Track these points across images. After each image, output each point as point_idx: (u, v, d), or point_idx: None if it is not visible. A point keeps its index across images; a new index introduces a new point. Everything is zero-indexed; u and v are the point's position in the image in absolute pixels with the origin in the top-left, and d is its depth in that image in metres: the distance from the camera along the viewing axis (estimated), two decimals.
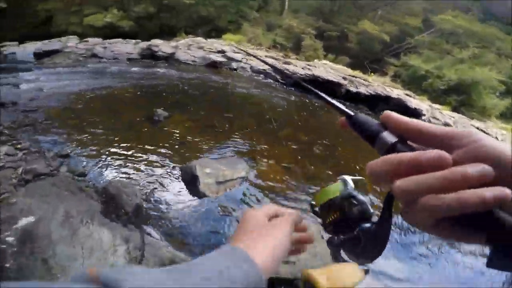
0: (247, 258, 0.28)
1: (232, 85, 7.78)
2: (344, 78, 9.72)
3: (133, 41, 13.81)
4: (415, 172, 0.22)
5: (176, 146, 3.96)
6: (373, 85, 10.05)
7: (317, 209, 0.38)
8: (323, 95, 0.33)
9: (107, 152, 3.49)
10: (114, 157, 3.43)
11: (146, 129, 4.31)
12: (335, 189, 0.35)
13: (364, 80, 10.52)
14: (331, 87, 9.27)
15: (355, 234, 0.31)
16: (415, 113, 8.93)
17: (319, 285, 0.38)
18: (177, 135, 4.27)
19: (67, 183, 2.52)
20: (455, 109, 12.43)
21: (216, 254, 0.29)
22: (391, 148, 0.24)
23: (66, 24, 19.72)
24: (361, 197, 0.35)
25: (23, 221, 1.83)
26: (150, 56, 10.20)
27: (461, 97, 13.19)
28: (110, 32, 18.05)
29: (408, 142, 0.26)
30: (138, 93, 5.98)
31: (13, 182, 2.80)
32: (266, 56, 11.99)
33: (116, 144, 3.72)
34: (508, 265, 0.22)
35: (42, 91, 5.67)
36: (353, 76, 10.44)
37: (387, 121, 0.26)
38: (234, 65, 10.19)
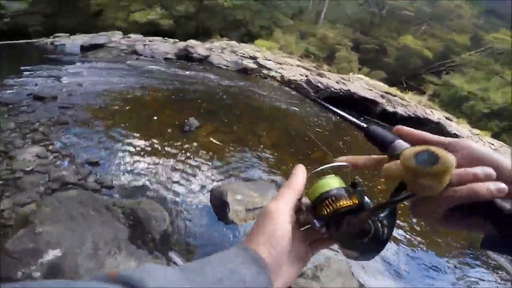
0: (255, 258, 0.28)
1: (264, 95, 7.50)
2: (382, 96, 9.07)
3: (172, 40, 14.02)
4: None
5: (206, 161, 3.73)
6: (411, 105, 9.30)
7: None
8: (336, 109, 0.37)
9: (135, 163, 3.33)
10: (142, 169, 3.25)
11: (176, 138, 4.13)
12: (332, 181, 0.31)
13: (401, 98, 9.78)
14: (366, 105, 8.69)
15: (364, 225, 0.28)
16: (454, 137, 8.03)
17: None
18: (207, 148, 4.04)
19: (94, 200, 2.34)
20: (495, 135, 11.29)
21: (228, 253, 0.29)
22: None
23: (113, 18, 20.51)
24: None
25: (50, 255, 1.65)
26: (186, 57, 10.21)
27: (504, 123, 11.99)
28: (151, 29, 18.62)
29: None
30: (172, 97, 5.87)
31: (40, 190, 2.69)
32: (298, 66, 11.62)
33: (145, 154, 3.56)
34: (499, 246, 0.27)
35: (81, 87, 5.73)
36: (390, 94, 9.74)
37: (399, 132, 0.31)
38: (265, 72, 9.93)
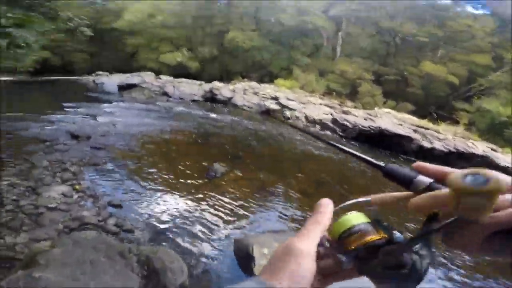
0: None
1: (289, 138, 7.33)
2: (415, 131, 8.49)
3: (198, 82, 14.89)
4: None
5: (231, 208, 3.45)
6: (448, 138, 8.56)
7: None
8: (350, 150, 0.38)
9: (158, 208, 3.16)
10: (165, 214, 3.06)
11: (201, 184, 3.95)
12: (357, 217, 0.32)
13: (436, 132, 9.08)
14: (399, 142, 8.07)
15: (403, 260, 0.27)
16: (504, 172, 7.05)
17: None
18: (232, 195, 3.78)
19: (108, 245, 2.14)
20: None
21: (245, 284, 0.28)
22: (428, 188, 0.29)
23: (146, 59, 22.60)
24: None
25: None
26: (211, 99, 10.65)
27: None
28: (179, 70, 20.12)
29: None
30: (199, 140, 5.89)
31: (58, 228, 2.58)
32: (321, 104, 11.56)
33: (168, 199, 3.40)
34: None
35: (114, 127, 5.99)
36: (422, 127, 9.10)
37: (418, 169, 0.31)
38: (288, 113, 9.90)
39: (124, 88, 12.60)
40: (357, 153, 0.36)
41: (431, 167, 0.31)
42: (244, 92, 11.81)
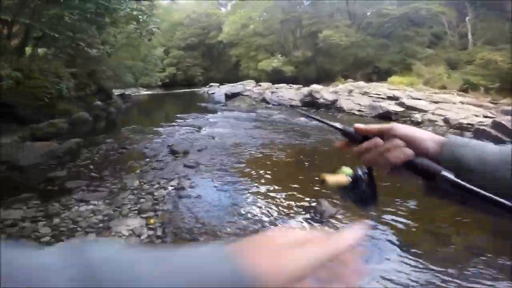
0: (231, 256, 0.20)
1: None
2: None
3: (295, 86, 13.57)
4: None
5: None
6: None
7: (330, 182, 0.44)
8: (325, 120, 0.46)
9: None
10: None
11: (306, 225, 2.55)
12: (344, 171, 0.43)
13: None
14: None
15: (358, 189, 0.41)
16: None
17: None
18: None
19: None
20: None
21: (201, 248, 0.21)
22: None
23: (247, 68, 23.27)
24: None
25: None
26: (311, 103, 9.03)
27: None
28: (276, 76, 19.52)
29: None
30: (301, 156, 4.43)
31: None
32: (462, 103, 8.06)
33: None
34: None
35: (212, 139, 5.39)
36: None
37: (358, 131, 0.41)
38: (417, 116, 7.14)
39: (230, 97, 12.80)
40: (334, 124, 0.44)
41: (370, 127, 0.41)
42: (350, 94, 9.63)
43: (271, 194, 3.03)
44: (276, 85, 14.26)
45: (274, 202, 2.87)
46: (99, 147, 4.70)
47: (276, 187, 3.16)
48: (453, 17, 16.15)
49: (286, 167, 3.95)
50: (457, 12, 16.06)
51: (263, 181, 3.36)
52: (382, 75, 15.28)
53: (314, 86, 11.55)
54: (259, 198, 2.93)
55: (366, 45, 18.07)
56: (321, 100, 8.93)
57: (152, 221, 2.41)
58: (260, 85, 15.37)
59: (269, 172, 3.65)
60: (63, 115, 6.81)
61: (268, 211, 2.70)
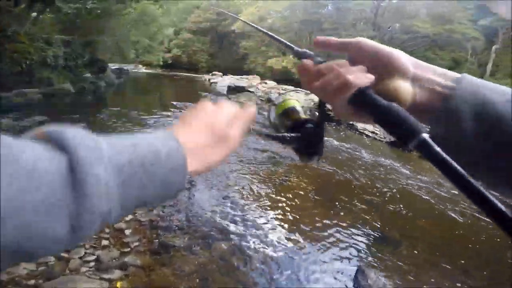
0: (172, 137, 0.25)
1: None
2: None
3: (304, 91, 12.70)
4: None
5: None
6: None
7: (273, 119, 0.39)
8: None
9: None
10: None
11: None
12: (292, 102, 0.37)
13: None
14: None
15: (300, 134, 0.34)
16: None
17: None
18: None
19: None
20: None
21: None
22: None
23: (254, 62, 22.51)
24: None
25: None
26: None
27: None
28: (282, 76, 18.68)
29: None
30: (314, 194, 3.27)
31: None
32: None
33: None
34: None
35: None
36: None
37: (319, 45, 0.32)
38: None
39: (233, 89, 11.91)
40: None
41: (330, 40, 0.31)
42: None
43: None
44: (282, 86, 13.45)
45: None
46: None
47: (296, 224, 2.41)
48: (480, 44, 15.68)
49: (301, 204, 3.13)
50: (485, 38, 15.61)
51: (276, 212, 2.59)
52: None
53: None
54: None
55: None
56: (333, 114, 8.19)
57: (118, 285, 1.62)
58: (266, 83, 14.52)
59: (283, 205, 2.88)
60: (42, 85, 5.85)
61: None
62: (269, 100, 10.38)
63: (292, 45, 0.35)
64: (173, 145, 0.24)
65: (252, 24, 0.47)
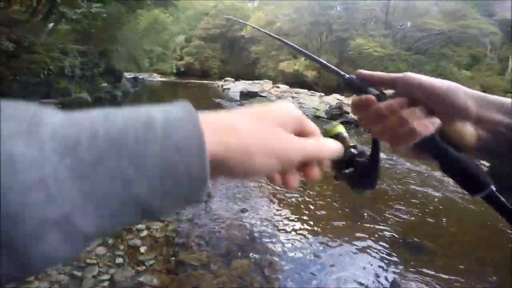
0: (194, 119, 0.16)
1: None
2: None
3: (317, 94, 12.47)
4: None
5: None
6: None
7: None
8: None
9: None
10: None
11: None
12: (339, 128, 0.35)
13: None
14: None
15: (354, 167, 0.33)
16: None
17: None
18: None
19: None
20: None
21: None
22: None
23: (265, 67, 22.45)
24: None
25: None
26: (339, 116, 8.01)
27: None
28: (294, 79, 18.46)
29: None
30: (340, 203, 3.12)
31: None
32: None
33: None
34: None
35: None
36: None
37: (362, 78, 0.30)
38: None
39: (246, 95, 11.80)
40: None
41: (375, 74, 0.30)
42: None
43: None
44: (295, 90, 13.18)
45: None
46: None
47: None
48: (498, 38, 14.89)
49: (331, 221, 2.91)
50: (503, 33, 14.80)
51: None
52: None
53: (336, 96, 10.52)
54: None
55: (397, 59, 16.83)
56: (351, 116, 7.87)
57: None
58: (278, 87, 14.32)
59: (310, 224, 2.67)
60: (60, 95, 5.98)
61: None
62: None
63: (341, 71, 0.33)
64: (179, 112, 0.16)
65: (273, 35, 0.45)
